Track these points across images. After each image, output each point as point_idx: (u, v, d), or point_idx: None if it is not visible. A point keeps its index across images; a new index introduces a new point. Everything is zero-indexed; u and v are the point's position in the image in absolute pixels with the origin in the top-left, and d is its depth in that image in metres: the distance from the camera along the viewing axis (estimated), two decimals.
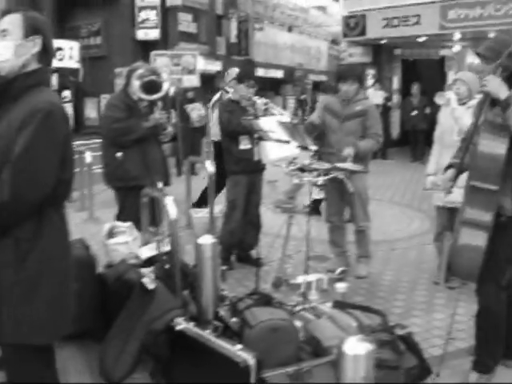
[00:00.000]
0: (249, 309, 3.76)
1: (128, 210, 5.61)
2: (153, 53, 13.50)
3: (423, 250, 7.19)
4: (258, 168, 6.06)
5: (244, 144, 6.00)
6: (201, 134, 13.56)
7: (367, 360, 2.53)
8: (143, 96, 5.56)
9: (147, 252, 4.75)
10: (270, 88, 36.60)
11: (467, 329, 4.74)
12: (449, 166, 4.05)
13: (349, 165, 5.34)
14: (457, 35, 15.78)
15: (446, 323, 4.93)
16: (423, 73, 18.65)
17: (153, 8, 22.86)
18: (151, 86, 5.58)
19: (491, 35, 15.68)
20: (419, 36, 16.24)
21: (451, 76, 17.66)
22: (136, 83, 5.56)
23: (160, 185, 4.53)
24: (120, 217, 5.68)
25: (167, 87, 5.65)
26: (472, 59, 17.94)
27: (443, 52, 17.96)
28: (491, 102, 3.64)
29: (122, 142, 5.61)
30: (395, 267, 6.52)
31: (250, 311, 3.73)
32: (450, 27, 15.02)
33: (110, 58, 23.55)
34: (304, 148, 4.52)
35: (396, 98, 19.24)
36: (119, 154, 5.63)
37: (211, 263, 3.82)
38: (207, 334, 3.39)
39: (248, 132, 5.60)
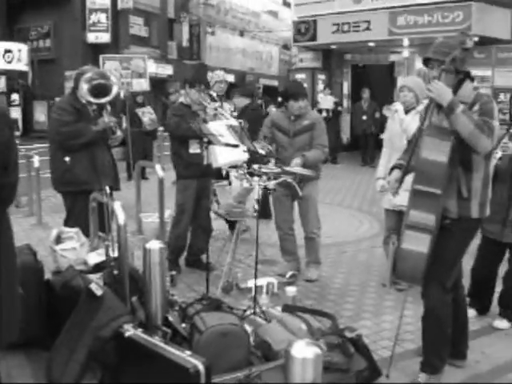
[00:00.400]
0: (198, 314, 3.74)
1: (76, 216, 5.52)
2: (102, 56, 13.35)
3: (373, 253, 7.28)
4: (207, 172, 6.04)
5: (194, 148, 5.97)
6: (152, 138, 13.47)
7: (315, 363, 2.53)
8: (92, 99, 5.48)
9: (96, 258, 4.68)
10: None
11: (415, 330, 4.80)
12: (394, 167, 4.10)
13: (298, 168, 5.36)
14: (406, 41, 16.04)
15: (395, 325, 4.95)
16: (373, 78, 18.90)
17: (104, 11, 22.65)
18: (100, 90, 5.51)
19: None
20: (369, 42, 16.47)
21: (400, 81, 17.95)
22: (84, 86, 5.48)
23: (108, 189, 4.46)
24: (68, 222, 5.59)
25: (116, 91, 5.58)
26: (421, 64, 18.28)
27: (393, 57, 18.24)
28: (437, 105, 3.71)
29: (71, 145, 5.52)
30: (345, 270, 6.56)
31: (200, 316, 3.71)
32: (399, 33, 15.29)
33: (60, 60, 23.24)
34: (253, 152, 4.52)
35: (346, 103, 19.46)
36: (67, 159, 5.54)
37: (159, 268, 3.79)
38: (156, 341, 3.35)
39: (197, 136, 5.58)
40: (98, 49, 21.62)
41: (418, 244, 3.63)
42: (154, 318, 3.77)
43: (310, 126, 5.93)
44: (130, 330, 3.47)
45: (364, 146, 16.70)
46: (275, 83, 41.70)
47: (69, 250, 4.73)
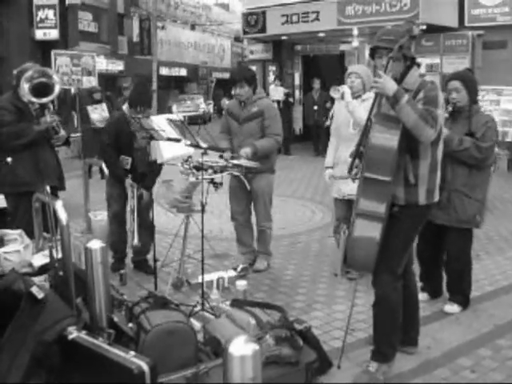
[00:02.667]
0: (144, 313, 3.67)
1: (20, 217, 5.40)
2: (54, 51, 13.08)
3: (325, 243, 7.29)
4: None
5: (124, 165, 5.80)
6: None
7: (254, 361, 2.50)
8: (33, 99, 5.34)
9: (41, 259, 4.57)
10: (174, 86, 36.45)
11: (367, 318, 4.81)
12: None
13: (243, 161, 5.32)
14: (355, 31, 16.11)
15: (346, 315, 4.95)
16: (324, 68, 18.98)
17: (51, 7, 22.11)
18: (41, 89, 5.37)
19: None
20: (318, 32, 16.50)
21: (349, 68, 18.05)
22: (25, 86, 5.33)
23: (49, 189, 4.34)
24: (12, 224, 5.45)
25: (58, 90, 5.44)
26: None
27: (343, 47, 18.31)
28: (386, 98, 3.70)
29: (12, 146, 5.39)
30: (297, 261, 6.56)
31: (145, 315, 3.64)
32: (347, 23, 15.34)
33: (8, 59, 22.65)
34: (195, 146, 4.46)
35: (298, 94, 19.50)
36: (9, 159, 5.40)
37: (101, 268, 3.69)
38: (100, 342, 3.27)
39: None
40: (46, 46, 21.15)
41: (369, 232, 3.63)
42: (98, 320, 3.68)
43: (258, 112, 5.86)
44: (73, 333, 3.38)
45: (316, 136, 16.74)
46: (227, 76, 41.63)
47: (12, 252, 4.59)
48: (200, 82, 38.52)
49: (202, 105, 31.08)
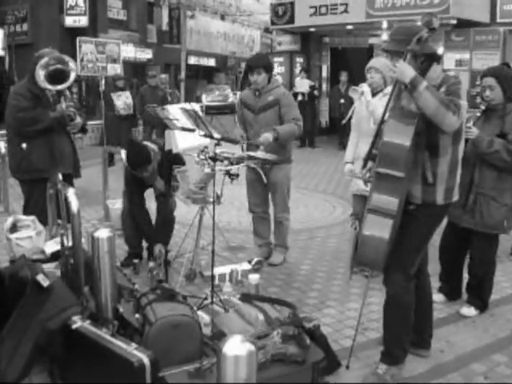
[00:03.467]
0: (150, 304, 3.62)
1: (34, 203, 5.40)
2: (79, 38, 13.12)
3: (343, 239, 7.16)
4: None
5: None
6: (129, 123, 13.20)
7: (249, 361, 2.42)
8: (48, 86, 5.31)
9: (53, 246, 4.56)
10: (202, 76, 36.44)
11: (380, 318, 4.65)
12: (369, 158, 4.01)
13: (260, 154, 5.24)
14: (384, 24, 15.89)
15: (359, 313, 4.90)
16: (352, 61, 18.74)
17: None
18: (57, 76, 5.33)
19: (419, 23, 15.91)
20: (347, 24, 16.31)
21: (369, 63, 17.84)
22: (41, 73, 5.30)
23: (61, 176, 4.32)
24: (26, 210, 5.46)
25: (74, 77, 5.40)
26: None
27: (371, 40, 18.09)
28: (405, 87, 3.59)
29: (28, 132, 5.39)
30: (313, 256, 6.46)
31: (151, 307, 3.59)
32: (376, 16, 15.11)
33: (38, 45, 22.75)
34: (208, 136, 4.38)
35: (325, 87, 19.32)
36: (24, 145, 5.40)
37: (108, 258, 3.64)
38: (103, 333, 3.23)
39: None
40: (75, 32, 21.28)
41: (379, 229, 3.52)
42: (103, 310, 3.64)
43: (274, 101, 5.74)
44: (77, 322, 3.35)
45: (341, 129, 16.54)
46: None
47: (24, 238, 4.59)
48: (228, 72, 38.44)
49: (230, 95, 30.96)
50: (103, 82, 13.23)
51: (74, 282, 3.89)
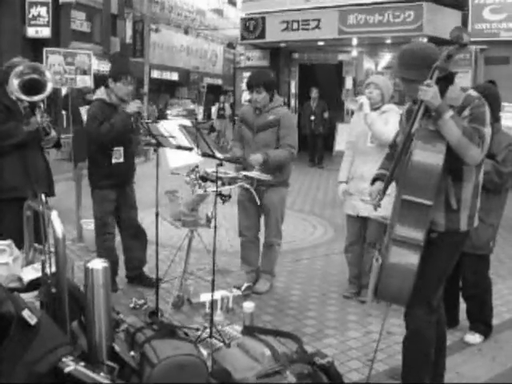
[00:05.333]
0: (149, 342, 3.25)
1: (8, 225, 4.95)
2: (46, 49, 12.58)
3: (330, 261, 6.93)
4: (127, 181, 5.61)
5: (117, 157, 5.40)
6: None
7: None
8: (23, 97, 4.89)
9: (31, 273, 4.15)
10: (164, 90, 36.07)
11: (385, 348, 4.46)
12: (376, 178, 3.73)
13: (255, 173, 4.93)
14: (354, 40, 15.83)
15: (362, 343, 4.66)
16: (321, 77, 18.65)
17: (44, 4, 21.63)
18: (32, 86, 4.92)
19: (388, 41, 15.89)
20: (319, 40, 16.18)
21: (349, 81, 17.78)
22: (15, 82, 4.88)
23: (43, 196, 3.92)
24: None
25: (51, 88, 5.00)
26: (369, 65, 18.17)
27: (341, 57, 18.01)
28: (426, 108, 3.32)
29: None
30: (303, 280, 6.16)
31: (151, 345, 3.21)
32: (349, 32, 15.03)
33: None
34: (210, 156, 4.05)
35: (294, 103, 19.17)
36: None
37: (103, 291, 3.26)
38: (101, 378, 2.85)
39: (122, 142, 5.16)
40: (38, 44, 20.72)
41: (405, 261, 3.25)
42: (98, 350, 3.25)
43: (274, 121, 5.43)
44: (70, 365, 2.95)
45: (312, 146, 16.39)
46: (219, 82, 41.31)
47: (0, 265, 4.18)
48: (191, 87, 38.12)
49: (197, 111, 30.48)
50: (64, 93, 12.69)
51: (58, 314, 3.51)
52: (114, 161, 5.40)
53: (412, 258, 3.23)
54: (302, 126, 17.31)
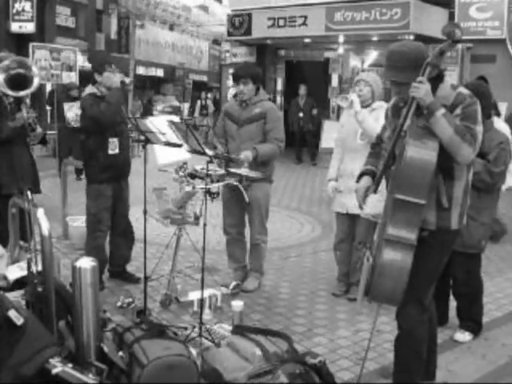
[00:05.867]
0: (138, 342, 3.19)
1: None
2: (32, 44, 12.44)
3: (318, 258, 6.88)
4: (124, 174, 5.52)
5: (112, 148, 5.30)
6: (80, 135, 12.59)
7: None
8: (9, 92, 4.80)
9: (17, 272, 4.07)
10: (150, 87, 35.90)
11: (375, 346, 4.42)
12: (362, 174, 3.68)
13: (244, 170, 4.87)
14: (341, 38, 15.80)
15: (351, 341, 4.62)
16: (307, 74, 18.60)
17: None
18: (18, 81, 4.84)
19: (374, 38, 15.87)
20: (305, 37, 16.13)
21: (335, 78, 17.76)
22: (0, 77, 4.81)
23: (29, 193, 3.84)
24: None
25: (38, 83, 4.92)
26: (355, 62, 18.16)
27: (327, 54, 17.97)
28: (418, 105, 3.27)
29: None
30: (291, 278, 6.11)
31: (140, 345, 3.16)
32: (335, 29, 14.99)
33: None
34: (200, 153, 3.98)
35: (279, 100, 19.12)
36: None
37: (91, 290, 3.19)
38: (89, 380, 2.79)
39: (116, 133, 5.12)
40: (22, 39, 20.53)
41: (398, 261, 3.19)
42: (85, 351, 3.18)
43: (260, 114, 5.35)
44: (57, 366, 2.90)
45: (300, 143, 16.31)
46: (204, 78, 41.18)
47: None
48: (176, 83, 37.96)
49: (184, 108, 30.18)
50: (49, 89, 12.56)
51: (44, 313, 3.44)
52: (110, 152, 5.30)
53: (405, 258, 3.19)
54: (289, 123, 17.31)
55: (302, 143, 16.23)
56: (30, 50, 11.41)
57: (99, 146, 5.32)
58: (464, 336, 4.74)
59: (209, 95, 25.82)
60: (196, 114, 22.81)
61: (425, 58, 3.25)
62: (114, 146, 5.31)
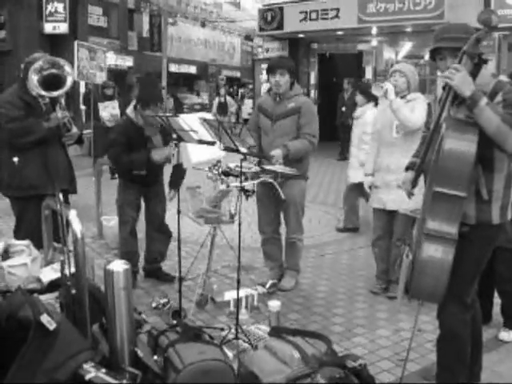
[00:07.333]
0: (173, 346, 3.10)
1: (27, 224, 4.86)
2: (77, 42, 12.46)
3: (355, 255, 6.75)
4: (151, 183, 5.54)
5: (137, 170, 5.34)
6: None
7: None
8: (43, 92, 4.76)
9: (51, 274, 4.03)
10: (183, 84, 36.00)
11: (416, 347, 4.27)
12: (408, 167, 3.60)
13: (279, 167, 4.76)
14: (374, 29, 15.57)
15: (392, 341, 4.49)
16: (341, 68, 18.43)
17: (61, 0, 21.64)
18: (52, 81, 4.80)
19: (408, 29, 15.62)
20: (338, 30, 15.93)
21: (369, 71, 17.54)
22: (34, 78, 4.75)
23: (61, 195, 3.79)
24: (18, 232, 4.93)
25: (71, 82, 4.88)
26: (389, 54, 17.90)
27: (361, 46, 17.77)
28: (454, 95, 3.14)
29: (19, 144, 4.85)
30: (329, 276, 5.99)
31: (175, 349, 3.07)
32: (368, 21, 14.78)
33: (16, 52, 22.19)
34: (233, 150, 3.88)
35: (313, 93, 18.93)
36: (16, 159, 4.86)
37: (124, 294, 3.11)
38: None
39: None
40: (55, 40, 20.74)
41: (439, 256, 3.06)
42: (119, 355, 3.11)
43: (294, 109, 5.22)
44: (90, 372, 2.83)
45: (343, 138, 15.74)
46: (237, 74, 41.19)
47: (18, 266, 4.06)
48: (209, 79, 38.01)
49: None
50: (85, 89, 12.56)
51: (78, 316, 3.38)
52: (135, 172, 5.33)
53: (446, 254, 3.06)
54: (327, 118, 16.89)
55: (346, 138, 15.64)
56: (75, 49, 11.35)
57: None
58: (509, 335, 4.57)
59: (231, 90, 25.28)
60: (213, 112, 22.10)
61: (470, 32, 3.15)
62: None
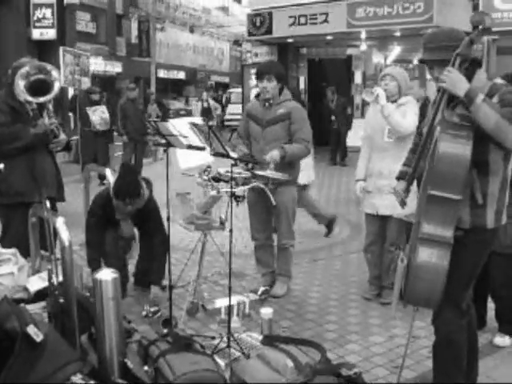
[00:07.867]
0: (164, 356, 3.04)
1: (13, 232, 4.75)
2: (62, 48, 12.40)
3: (348, 261, 6.70)
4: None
5: None
6: (105, 139, 12.52)
7: None
8: (29, 98, 4.68)
9: (38, 283, 3.96)
10: (171, 89, 35.96)
11: (411, 353, 4.21)
12: (399, 177, 3.59)
13: (270, 172, 4.69)
14: (363, 34, 15.56)
15: (386, 348, 4.42)
16: (330, 72, 18.40)
17: (48, 6, 21.50)
18: (39, 87, 4.72)
19: (397, 34, 15.62)
20: (327, 35, 15.91)
21: (358, 75, 17.54)
22: (21, 83, 4.68)
23: (48, 202, 3.71)
24: (4, 240, 4.82)
25: (58, 87, 4.80)
26: (378, 58, 17.92)
27: (350, 51, 17.77)
28: (449, 98, 3.10)
29: (6, 150, 4.75)
30: (321, 282, 5.93)
31: (166, 360, 3.01)
32: (357, 25, 14.77)
33: (4, 58, 22.03)
34: (224, 156, 3.81)
35: (303, 98, 18.91)
36: (1, 166, 4.76)
37: (113, 304, 3.04)
38: None
39: None
40: (43, 46, 20.62)
41: (435, 261, 3.02)
42: (108, 366, 3.04)
43: (284, 115, 5.15)
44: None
45: (335, 143, 15.69)
46: (226, 80, 41.18)
47: (5, 275, 3.97)
48: (198, 85, 37.98)
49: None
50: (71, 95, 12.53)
51: (66, 326, 3.30)
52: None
53: (441, 258, 3.02)
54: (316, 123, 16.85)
55: (338, 144, 15.58)
56: (61, 54, 11.28)
57: None
58: (504, 340, 4.52)
59: (216, 94, 25.15)
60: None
61: (459, 38, 3.12)
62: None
